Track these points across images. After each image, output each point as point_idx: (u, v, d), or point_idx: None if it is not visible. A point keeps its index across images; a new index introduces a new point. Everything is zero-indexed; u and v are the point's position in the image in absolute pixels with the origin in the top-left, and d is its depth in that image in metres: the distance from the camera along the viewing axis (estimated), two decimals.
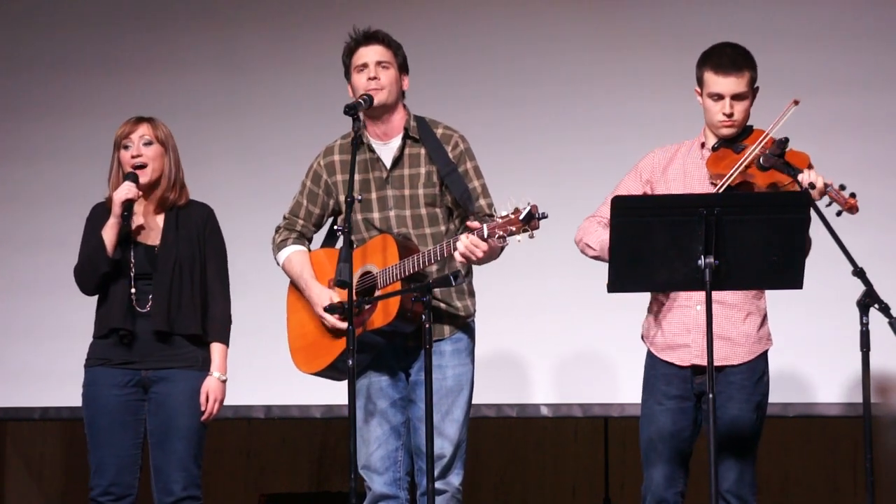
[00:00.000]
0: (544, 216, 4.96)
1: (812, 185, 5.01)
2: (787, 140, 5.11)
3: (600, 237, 5.24)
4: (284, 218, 5.58)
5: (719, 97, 5.21)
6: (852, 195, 5.04)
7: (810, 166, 5.11)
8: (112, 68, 7.38)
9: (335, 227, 5.40)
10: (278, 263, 5.55)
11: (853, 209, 5.05)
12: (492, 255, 5.15)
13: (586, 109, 7.09)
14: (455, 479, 5.33)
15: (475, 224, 5.07)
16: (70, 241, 5.65)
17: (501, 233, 4.98)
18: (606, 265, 4.93)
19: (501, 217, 5.00)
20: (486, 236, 5.02)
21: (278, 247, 5.55)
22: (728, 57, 5.22)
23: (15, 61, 7.46)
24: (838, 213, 5.02)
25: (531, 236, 4.98)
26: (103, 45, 7.42)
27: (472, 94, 7.11)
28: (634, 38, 7.09)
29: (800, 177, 5.04)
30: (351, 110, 5.24)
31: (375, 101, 5.33)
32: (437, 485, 5.26)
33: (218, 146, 7.26)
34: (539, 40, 7.15)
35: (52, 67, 7.43)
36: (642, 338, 5.38)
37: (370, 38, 5.40)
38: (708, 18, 6.98)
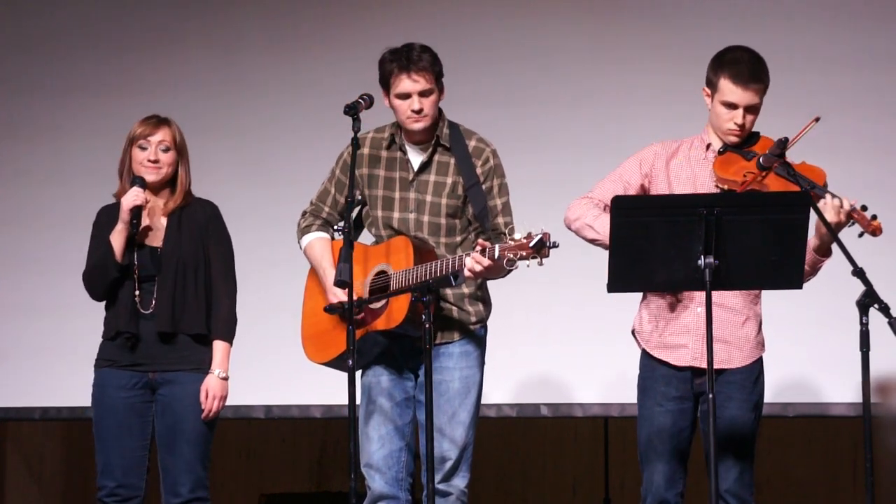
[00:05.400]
0: (555, 245, 4.94)
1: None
2: (786, 139, 5.09)
3: (603, 220, 5.11)
4: (311, 203, 5.53)
5: (733, 107, 5.15)
6: (874, 217, 4.97)
7: (825, 184, 5.06)
8: (115, 87, 7.36)
9: (339, 227, 5.40)
10: (301, 248, 5.52)
11: (877, 231, 4.97)
12: (497, 272, 5.13)
13: (586, 118, 7.10)
14: (460, 481, 5.30)
15: (484, 244, 5.05)
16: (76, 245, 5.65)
17: (511, 256, 4.97)
18: (606, 266, 4.91)
19: (514, 240, 4.98)
20: (495, 257, 5.01)
21: (302, 232, 5.51)
22: (748, 67, 5.14)
23: (17, 81, 7.45)
24: (860, 235, 4.96)
25: (540, 263, 4.96)
26: (106, 62, 7.40)
27: (471, 98, 7.10)
28: (635, 46, 7.10)
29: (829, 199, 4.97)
30: (351, 110, 5.18)
31: (417, 128, 5.27)
32: (442, 486, 5.26)
33: (221, 149, 7.26)
34: (539, 46, 7.16)
35: (53, 86, 7.42)
36: (633, 332, 5.35)
37: (415, 67, 5.24)
38: (709, 25, 6.99)
